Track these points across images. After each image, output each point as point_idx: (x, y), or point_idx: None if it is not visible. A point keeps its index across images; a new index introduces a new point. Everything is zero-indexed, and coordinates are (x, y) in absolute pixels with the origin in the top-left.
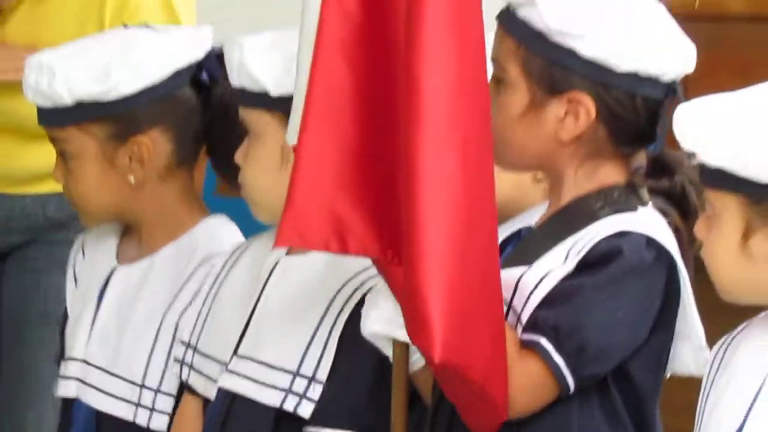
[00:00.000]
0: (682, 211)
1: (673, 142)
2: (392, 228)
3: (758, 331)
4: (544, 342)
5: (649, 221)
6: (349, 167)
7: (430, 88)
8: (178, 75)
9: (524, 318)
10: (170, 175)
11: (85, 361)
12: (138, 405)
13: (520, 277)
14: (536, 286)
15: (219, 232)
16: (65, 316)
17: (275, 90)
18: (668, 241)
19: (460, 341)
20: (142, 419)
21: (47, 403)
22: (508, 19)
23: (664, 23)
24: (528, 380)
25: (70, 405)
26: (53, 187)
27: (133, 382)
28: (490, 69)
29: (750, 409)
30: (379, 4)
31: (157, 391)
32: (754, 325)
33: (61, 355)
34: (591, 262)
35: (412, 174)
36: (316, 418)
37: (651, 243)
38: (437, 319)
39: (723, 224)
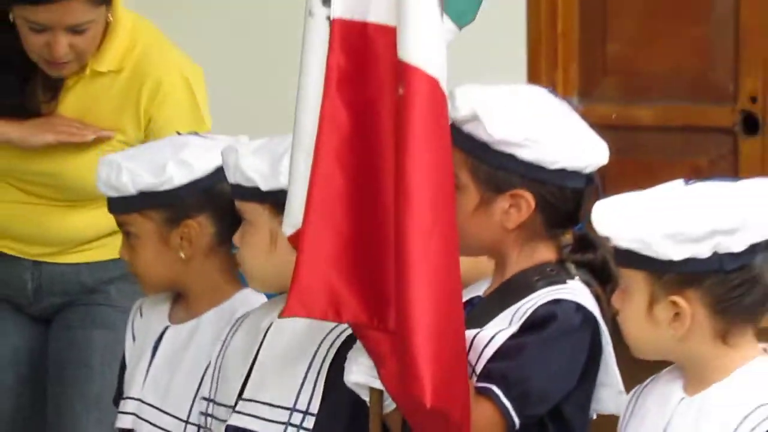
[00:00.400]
0: (603, 279)
1: None
2: (377, 300)
3: (663, 382)
4: (496, 389)
5: (576, 291)
6: (342, 252)
7: (417, 187)
8: (218, 171)
9: (478, 370)
10: (213, 253)
11: (140, 400)
12: None
13: (474, 337)
14: (487, 344)
15: (253, 300)
16: (123, 365)
17: (264, 186)
18: (592, 306)
19: (445, 390)
20: None
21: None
22: (454, 133)
23: (581, 127)
24: (483, 420)
25: None
26: (85, 257)
27: (179, 419)
28: None
29: None
30: (362, 120)
31: (199, 427)
32: (660, 377)
33: (119, 396)
34: (532, 324)
35: (404, 256)
36: None
37: (579, 309)
38: (427, 374)
39: (633, 295)
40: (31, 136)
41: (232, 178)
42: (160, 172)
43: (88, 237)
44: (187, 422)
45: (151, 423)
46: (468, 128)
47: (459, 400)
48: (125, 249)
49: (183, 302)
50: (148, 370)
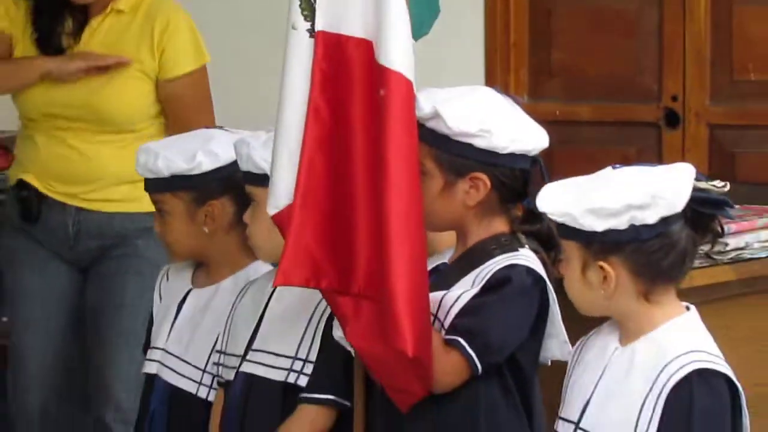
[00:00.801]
0: (548, 246)
1: None
2: (347, 268)
3: (603, 334)
4: (462, 341)
5: (527, 257)
6: (323, 228)
7: (396, 174)
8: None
9: (446, 325)
10: (232, 229)
11: (165, 350)
12: (200, 384)
13: (442, 298)
14: (454, 303)
15: (262, 270)
16: (151, 321)
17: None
18: (541, 270)
19: (421, 342)
20: (202, 393)
21: (121, 365)
22: (419, 129)
23: (524, 118)
24: (450, 367)
25: (151, 379)
26: (117, 207)
27: (198, 368)
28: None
29: (595, 387)
30: (340, 115)
31: (214, 375)
32: (601, 329)
33: (147, 345)
34: (491, 286)
35: (387, 232)
36: (310, 388)
37: (530, 272)
38: (408, 329)
39: (571, 262)
40: (65, 65)
41: (244, 166)
42: (191, 159)
43: (119, 175)
44: (204, 371)
45: (173, 370)
46: (431, 124)
47: (429, 350)
48: (158, 222)
49: (204, 269)
50: (172, 326)
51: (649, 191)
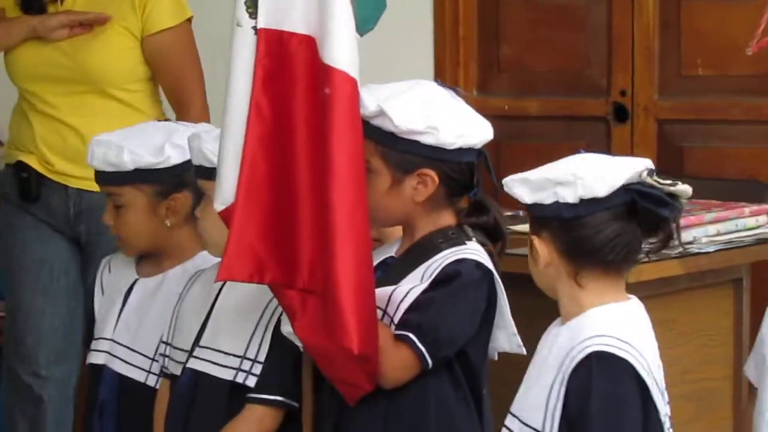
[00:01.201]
0: (495, 238)
1: (488, 189)
2: (292, 263)
3: (555, 334)
4: (412, 336)
5: (475, 251)
6: (265, 224)
7: (341, 170)
8: None
9: (396, 320)
10: (186, 222)
11: (112, 340)
12: (149, 372)
13: (392, 293)
14: (403, 298)
15: (210, 260)
16: (91, 316)
17: None
18: (489, 263)
19: (367, 338)
20: (151, 382)
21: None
22: (364, 126)
23: (468, 111)
24: (400, 362)
25: (98, 370)
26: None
27: (146, 356)
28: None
29: (554, 380)
30: (283, 112)
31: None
32: (553, 327)
33: (88, 337)
34: (440, 280)
35: (332, 228)
36: (258, 389)
37: (479, 266)
38: (354, 326)
39: (534, 249)
40: (48, 21)
41: (196, 160)
42: (159, 152)
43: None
44: (153, 360)
45: (122, 359)
46: (376, 122)
47: (375, 346)
48: (110, 216)
49: (150, 259)
50: (119, 316)
51: (571, 170)
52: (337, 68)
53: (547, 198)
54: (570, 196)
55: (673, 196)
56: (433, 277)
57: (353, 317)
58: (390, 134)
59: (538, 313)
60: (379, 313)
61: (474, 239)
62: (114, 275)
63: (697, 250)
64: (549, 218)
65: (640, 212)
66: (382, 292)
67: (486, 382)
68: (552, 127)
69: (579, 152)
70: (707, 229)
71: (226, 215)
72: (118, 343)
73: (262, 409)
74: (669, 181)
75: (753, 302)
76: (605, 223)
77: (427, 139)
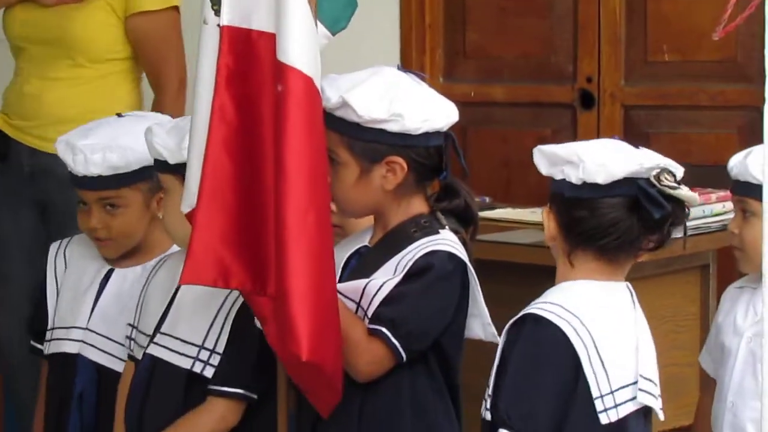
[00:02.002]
0: (467, 222)
1: (456, 172)
2: (259, 269)
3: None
4: (385, 330)
5: (448, 241)
6: (230, 228)
7: (294, 171)
8: None
9: (370, 313)
10: None
11: (87, 329)
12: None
13: (365, 286)
14: (377, 292)
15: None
16: (41, 295)
17: (172, 159)
18: (461, 253)
19: (319, 346)
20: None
21: None
22: (328, 119)
23: (431, 94)
24: (374, 356)
25: (72, 359)
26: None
27: (124, 345)
28: None
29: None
30: (247, 113)
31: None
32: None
33: (38, 321)
34: (413, 273)
35: (282, 230)
36: (216, 379)
37: (451, 257)
38: (303, 332)
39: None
40: None
41: (151, 153)
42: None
43: (62, 116)
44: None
45: (98, 348)
46: (339, 113)
47: (332, 354)
48: (101, 218)
49: (106, 256)
50: (94, 306)
51: (578, 152)
52: (290, 65)
53: (556, 174)
54: (573, 177)
55: (677, 200)
56: (406, 269)
57: (303, 322)
58: (354, 125)
59: (507, 299)
60: (353, 305)
61: (447, 227)
62: (74, 266)
63: None
64: (556, 194)
65: (641, 209)
66: (355, 285)
67: (460, 371)
68: (518, 113)
69: (613, 137)
70: None
71: (190, 217)
72: (94, 332)
73: (224, 403)
74: (673, 185)
75: (719, 288)
76: (604, 209)
77: (392, 127)
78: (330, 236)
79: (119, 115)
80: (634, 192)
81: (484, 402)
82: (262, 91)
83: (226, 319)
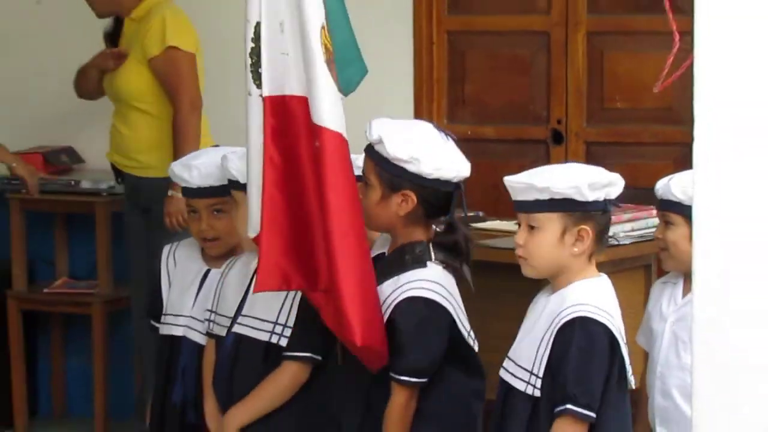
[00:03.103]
0: (462, 256)
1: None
2: (310, 272)
3: (544, 292)
4: (395, 376)
5: (428, 281)
6: (286, 245)
7: (335, 206)
8: None
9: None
10: None
11: (191, 317)
12: None
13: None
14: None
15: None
16: (157, 288)
17: (243, 179)
18: (439, 293)
19: (369, 332)
20: None
21: None
22: (369, 150)
23: (452, 150)
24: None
25: (178, 341)
26: (142, 173)
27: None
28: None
29: (520, 326)
30: (290, 160)
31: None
32: (541, 296)
33: (154, 311)
34: (400, 313)
35: (331, 249)
36: (289, 347)
37: (427, 303)
38: (356, 323)
39: (546, 231)
40: (104, 60)
41: (227, 175)
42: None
43: (137, 146)
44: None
45: (199, 331)
46: (377, 147)
47: (378, 335)
48: (209, 222)
49: (212, 255)
50: (196, 298)
51: (608, 177)
52: (323, 126)
53: (600, 195)
54: (613, 194)
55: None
56: (391, 307)
57: (356, 314)
58: (385, 159)
59: (495, 289)
60: None
61: (434, 260)
62: (181, 266)
63: (616, 243)
64: (593, 213)
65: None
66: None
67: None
68: (504, 148)
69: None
70: (624, 226)
71: (256, 240)
72: (196, 319)
73: (296, 364)
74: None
75: None
76: (608, 216)
77: (410, 167)
78: (367, 249)
79: (215, 146)
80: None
81: (527, 384)
82: (299, 141)
83: (294, 300)
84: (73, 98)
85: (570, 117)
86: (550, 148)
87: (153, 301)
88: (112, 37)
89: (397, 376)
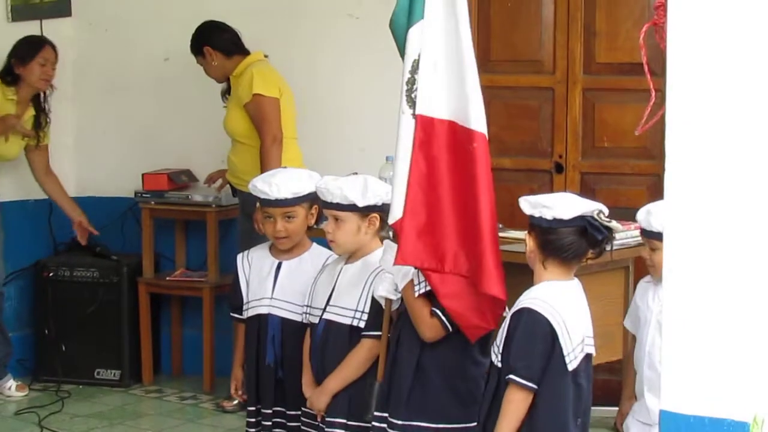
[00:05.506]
0: None
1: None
2: (440, 256)
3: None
4: (439, 312)
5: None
6: (422, 233)
7: (485, 197)
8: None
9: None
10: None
11: (272, 298)
12: (301, 315)
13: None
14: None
15: (321, 248)
16: (237, 286)
17: (361, 203)
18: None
19: (504, 292)
20: (304, 320)
21: None
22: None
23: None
24: (433, 329)
25: (264, 318)
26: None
27: (299, 305)
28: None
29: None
30: (432, 165)
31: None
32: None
33: (238, 300)
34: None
35: (480, 234)
36: (366, 328)
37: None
38: (499, 285)
39: (526, 242)
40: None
41: (334, 199)
42: (299, 185)
43: (243, 169)
44: (303, 307)
45: (282, 308)
46: (530, 212)
47: (505, 295)
48: (282, 225)
49: (283, 250)
50: (274, 285)
51: (551, 201)
52: (476, 130)
53: (536, 213)
54: (548, 215)
55: (609, 229)
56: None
57: (499, 280)
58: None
59: (510, 285)
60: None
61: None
62: (255, 264)
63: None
64: (534, 225)
65: (588, 234)
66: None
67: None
68: (518, 175)
69: (566, 191)
70: None
71: (395, 226)
72: (277, 299)
73: (371, 341)
74: (608, 220)
75: (635, 280)
76: (566, 235)
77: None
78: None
79: (285, 167)
80: (584, 224)
81: (493, 354)
82: (441, 154)
83: (369, 292)
84: (192, 134)
85: (569, 152)
86: (553, 176)
87: (233, 296)
88: (226, 92)
89: (436, 310)
